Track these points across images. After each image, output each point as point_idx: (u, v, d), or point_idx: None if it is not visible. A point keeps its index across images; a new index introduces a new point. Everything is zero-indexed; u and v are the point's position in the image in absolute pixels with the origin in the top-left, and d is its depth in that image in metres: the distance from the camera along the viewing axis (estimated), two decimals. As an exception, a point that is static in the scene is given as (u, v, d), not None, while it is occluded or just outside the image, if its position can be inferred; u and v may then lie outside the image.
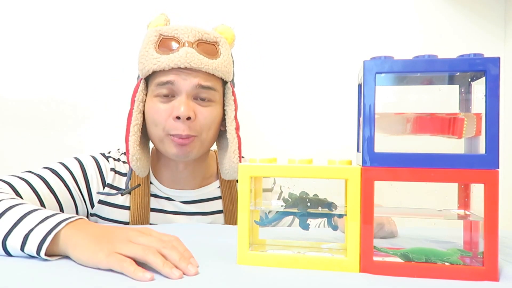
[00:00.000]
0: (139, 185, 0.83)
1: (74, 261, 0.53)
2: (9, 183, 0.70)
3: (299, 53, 1.28)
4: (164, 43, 0.76)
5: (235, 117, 0.81)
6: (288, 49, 1.28)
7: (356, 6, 1.27)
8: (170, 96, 0.77)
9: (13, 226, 0.55)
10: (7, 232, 0.55)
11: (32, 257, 0.54)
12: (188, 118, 0.75)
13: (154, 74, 0.77)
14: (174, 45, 0.76)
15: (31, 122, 1.26)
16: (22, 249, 0.53)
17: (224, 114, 0.82)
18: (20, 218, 0.56)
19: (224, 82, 0.82)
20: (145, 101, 0.79)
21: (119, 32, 1.26)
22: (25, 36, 1.26)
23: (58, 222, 0.54)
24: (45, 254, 0.52)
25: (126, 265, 0.48)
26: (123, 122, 0.78)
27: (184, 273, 0.49)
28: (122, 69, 1.25)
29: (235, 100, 0.82)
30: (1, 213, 0.57)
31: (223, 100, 0.82)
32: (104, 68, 1.27)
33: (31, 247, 0.53)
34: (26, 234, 0.53)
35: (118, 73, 1.26)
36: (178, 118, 0.75)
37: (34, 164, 0.83)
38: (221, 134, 0.86)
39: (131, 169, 0.80)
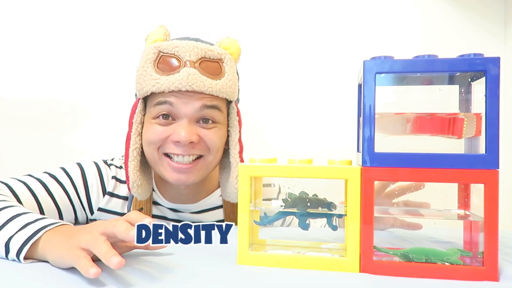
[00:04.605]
0: (142, 208, 0.80)
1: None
2: (8, 185, 0.70)
3: (299, 53, 1.28)
4: (163, 62, 0.70)
5: (239, 140, 0.77)
6: (288, 49, 1.28)
7: (356, 6, 1.27)
8: (170, 119, 0.72)
9: None
10: None
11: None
12: (191, 142, 0.70)
13: (152, 94, 0.72)
14: (175, 64, 0.69)
15: (31, 122, 1.26)
16: (7, 256, 0.54)
17: (227, 135, 0.78)
18: (3, 224, 0.56)
19: (229, 102, 0.77)
20: (143, 123, 0.75)
21: (119, 32, 1.26)
22: (25, 36, 1.26)
23: (37, 230, 0.53)
24: (28, 259, 0.53)
25: (79, 260, 0.47)
26: (123, 122, 0.78)
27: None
28: (122, 69, 1.25)
29: (239, 121, 0.77)
30: None
31: (227, 120, 0.78)
32: (104, 68, 1.26)
33: (12, 254, 0.53)
34: (6, 242, 0.54)
35: (118, 74, 1.25)
36: (178, 142, 0.70)
37: (34, 164, 0.83)
38: (223, 153, 0.81)
39: (131, 195, 0.78)
